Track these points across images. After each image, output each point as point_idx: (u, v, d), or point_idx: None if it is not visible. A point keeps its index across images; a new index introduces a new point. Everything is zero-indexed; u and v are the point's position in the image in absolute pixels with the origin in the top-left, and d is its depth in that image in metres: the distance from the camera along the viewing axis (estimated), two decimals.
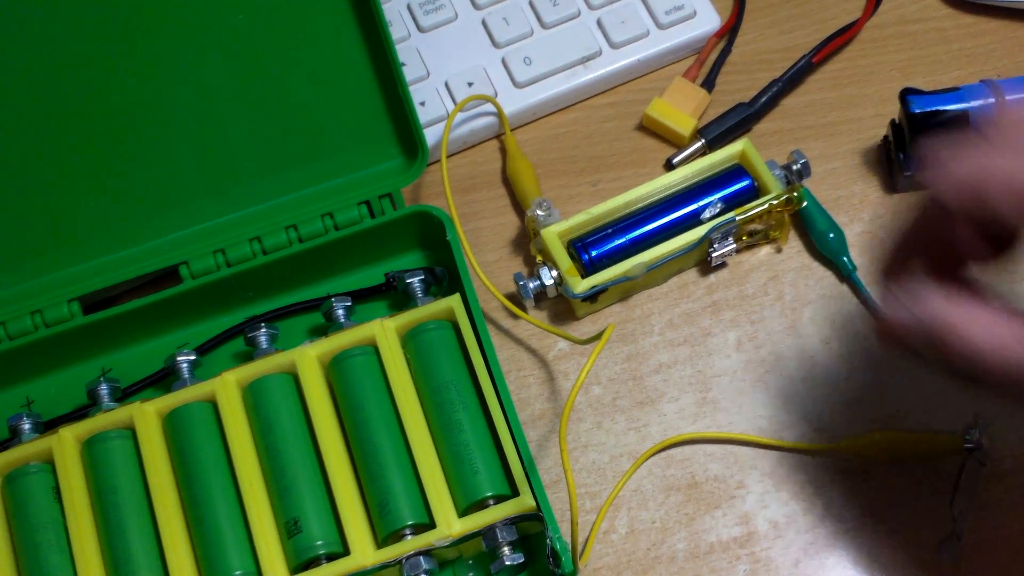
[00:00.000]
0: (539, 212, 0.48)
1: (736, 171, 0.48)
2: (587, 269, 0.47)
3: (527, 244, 0.51)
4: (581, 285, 0.46)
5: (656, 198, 0.48)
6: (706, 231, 0.47)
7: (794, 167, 0.48)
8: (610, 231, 0.47)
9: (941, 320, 0.33)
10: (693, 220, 0.47)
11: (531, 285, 0.47)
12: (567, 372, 0.48)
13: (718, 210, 0.47)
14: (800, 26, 0.55)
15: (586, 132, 0.54)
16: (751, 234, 0.49)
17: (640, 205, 0.48)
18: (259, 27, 0.46)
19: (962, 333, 0.33)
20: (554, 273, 0.47)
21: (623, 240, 0.47)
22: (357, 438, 0.44)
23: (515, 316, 0.49)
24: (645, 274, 0.47)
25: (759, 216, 0.47)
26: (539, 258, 0.48)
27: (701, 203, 0.48)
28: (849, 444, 0.44)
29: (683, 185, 0.49)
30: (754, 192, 0.48)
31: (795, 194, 0.47)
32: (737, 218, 0.47)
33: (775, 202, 0.47)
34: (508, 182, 0.52)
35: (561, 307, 0.49)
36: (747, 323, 0.48)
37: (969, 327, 0.33)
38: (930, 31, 0.55)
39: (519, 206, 0.52)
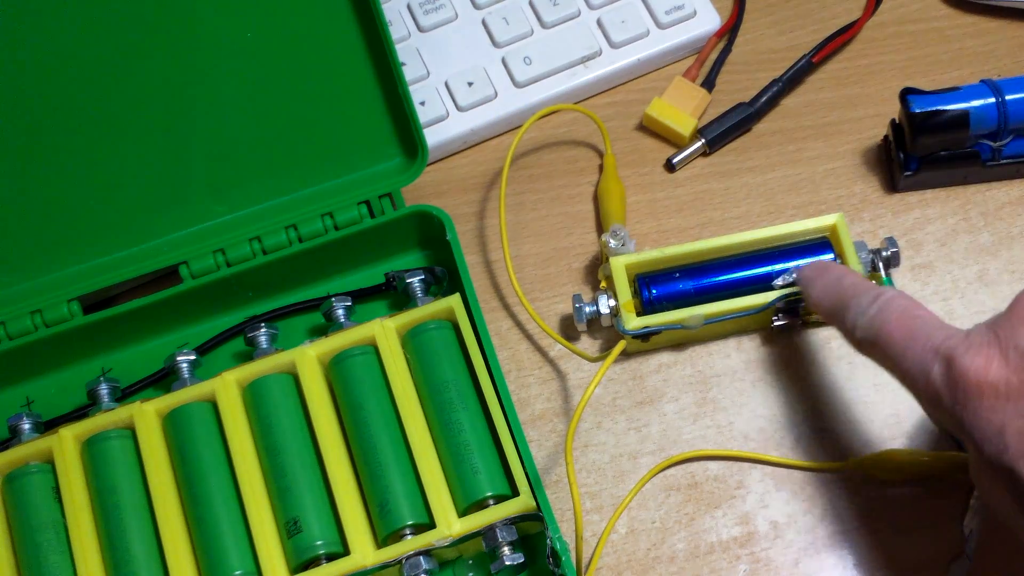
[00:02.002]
0: (611, 240, 0.46)
1: (822, 244, 0.46)
2: (646, 307, 0.45)
3: (528, 244, 0.51)
4: (634, 322, 0.45)
5: (734, 252, 0.46)
6: (773, 299, 0.45)
7: (884, 253, 0.46)
8: (678, 275, 0.46)
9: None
10: (765, 284, 0.45)
11: (587, 309, 0.46)
12: (568, 372, 0.48)
13: (792, 280, 0.45)
14: (800, 26, 0.55)
15: (586, 132, 0.54)
16: None
17: (716, 255, 0.46)
18: (259, 27, 0.46)
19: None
20: (612, 303, 0.46)
21: (688, 286, 0.45)
22: (357, 438, 0.44)
23: (515, 316, 0.49)
24: (702, 327, 0.45)
25: None
26: (603, 284, 0.47)
27: (776, 268, 0.46)
28: (857, 463, 0.44)
29: (764, 245, 0.46)
30: None
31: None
32: None
33: None
34: (508, 181, 0.52)
35: (612, 336, 0.48)
36: None
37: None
38: (930, 31, 0.55)
39: (520, 206, 0.52)
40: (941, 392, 0.35)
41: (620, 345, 0.44)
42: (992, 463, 0.34)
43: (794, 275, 0.44)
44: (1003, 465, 0.33)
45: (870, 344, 0.38)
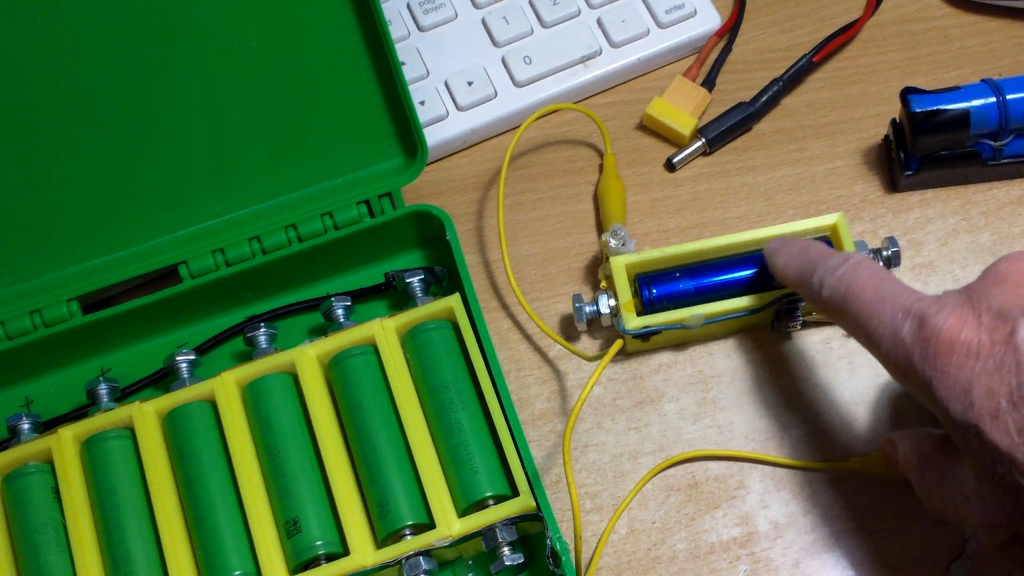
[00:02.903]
0: (612, 240, 0.46)
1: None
2: (646, 307, 0.45)
3: (528, 243, 0.51)
4: (634, 322, 0.45)
5: (734, 252, 0.46)
6: (773, 299, 0.45)
7: (884, 253, 0.46)
8: (678, 274, 0.46)
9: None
10: (766, 283, 0.45)
11: (587, 309, 0.46)
12: (568, 372, 0.48)
13: None
14: (800, 25, 0.55)
15: (586, 131, 0.54)
16: None
17: (716, 255, 0.46)
18: (259, 27, 0.46)
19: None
20: (612, 303, 0.45)
21: (689, 286, 0.45)
22: (357, 438, 0.44)
23: (515, 316, 0.49)
24: (702, 326, 0.45)
25: None
26: (603, 284, 0.47)
27: None
28: (858, 463, 0.44)
29: (764, 245, 0.45)
30: None
31: None
32: None
33: None
34: (508, 181, 0.52)
35: (613, 336, 0.48)
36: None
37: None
38: (931, 30, 0.55)
39: (520, 205, 0.52)
40: (911, 350, 0.34)
41: (616, 344, 0.43)
42: (957, 422, 0.33)
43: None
44: (968, 422, 0.33)
45: (838, 303, 0.38)
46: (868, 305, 0.37)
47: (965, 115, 0.46)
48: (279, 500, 0.43)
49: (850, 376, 0.47)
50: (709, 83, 0.53)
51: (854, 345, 0.47)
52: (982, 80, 0.47)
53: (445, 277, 0.48)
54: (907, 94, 0.47)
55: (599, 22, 0.54)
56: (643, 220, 0.51)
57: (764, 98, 0.52)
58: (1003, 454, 0.32)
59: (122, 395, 0.47)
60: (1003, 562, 0.36)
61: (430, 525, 0.42)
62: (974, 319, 0.34)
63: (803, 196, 0.51)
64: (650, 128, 0.53)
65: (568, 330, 0.49)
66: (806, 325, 0.47)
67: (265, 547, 0.42)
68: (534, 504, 0.41)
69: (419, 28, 0.54)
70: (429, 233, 0.49)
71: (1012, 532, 0.34)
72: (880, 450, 0.42)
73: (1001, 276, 0.34)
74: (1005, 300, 0.34)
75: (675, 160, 0.52)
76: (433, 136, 0.52)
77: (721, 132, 0.52)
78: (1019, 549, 0.35)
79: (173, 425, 0.44)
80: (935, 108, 0.47)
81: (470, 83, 0.53)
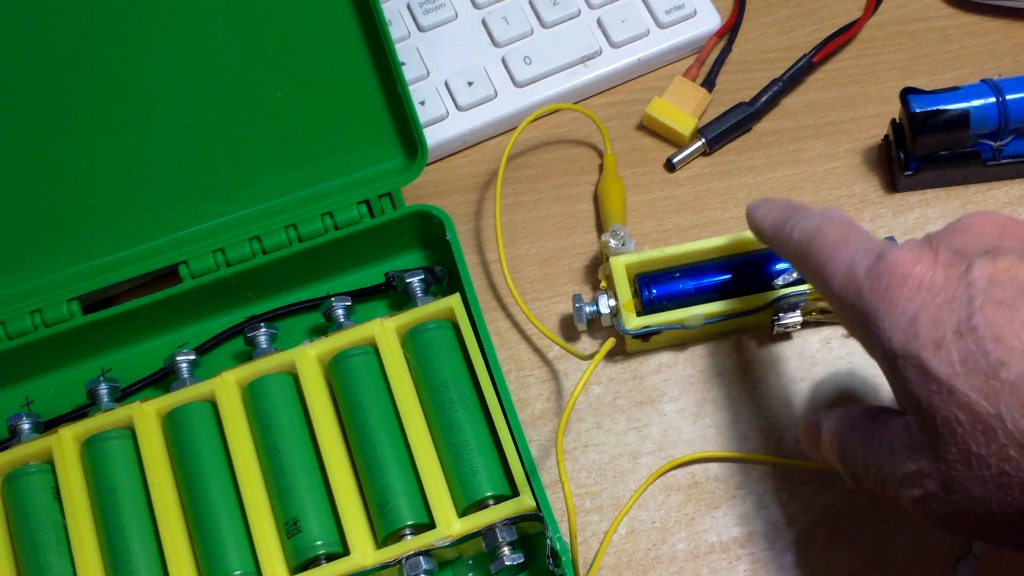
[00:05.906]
0: (612, 240, 0.46)
1: None
2: (646, 307, 0.45)
3: (528, 244, 0.51)
4: (634, 322, 0.45)
5: (734, 252, 0.46)
6: (773, 299, 0.45)
7: None
8: (678, 274, 0.46)
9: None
10: (765, 284, 0.45)
11: (587, 309, 0.46)
12: (567, 372, 0.48)
13: (793, 279, 0.45)
14: (800, 25, 0.55)
15: (586, 131, 0.54)
16: (823, 311, 0.46)
17: (716, 255, 0.46)
18: (259, 27, 0.46)
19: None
20: (612, 303, 0.46)
21: (688, 286, 0.45)
22: (357, 438, 0.44)
23: (514, 316, 0.49)
24: (702, 326, 0.45)
25: None
26: (603, 284, 0.47)
27: (776, 268, 0.45)
28: None
29: (766, 245, 0.46)
30: None
31: None
32: (808, 292, 0.45)
33: None
34: (508, 181, 0.52)
35: (612, 336, 0.47)
36: None
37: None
38: (930, 30, 0.55)
39: (519, 205, 0.52)
40: (862, 284, 0.35)
41: (609, 343, 0.43)
42: (899, 353, 0.33)
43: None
44: (911, 352, 0.33)
45: (804, 246, 0.38)
46: (832, 246, 0.37)
47: (965, 115, 0.46)
48: (279, 500, 0.43)
49: (850, 376, 0.47)
50: (709, 83, 0.53)
51: (854, 345, 0.47)
52: (982, 80, 0.47)
53: (445, 277, 0.48)
54: (907, 94, 0.47)
55: (599, 22, 0.54)
56: (643, 220, 0.51)
57: (764, 98, 0.52)
58: (943, 383, 0.32)
59: (122, 395, 0.47)
60: (1013, 557, 0.35)
61: (430, 525, 0.42)
62: (931, 256, 0.34)
63: (803, 196, 0.51)
64: (650, 128, 0.53)
65: (568, 330, 0.49)
66: (806, 325, 0.47)
67: (265, 547, 0.42)
68: (533, 504, 0.41)
69: (419, 28, 0.54)
70: (429, 233, 0.49)
71: (938, 483, 0.33)
72: (800, 433, 0.41)
73: (964, 226, 0.35)
74: (965, 243, 0.34)
75: (675, 160, 0.52)
76: (433, 136, 0.52)
77: (721, 132, 0.52)
78: (938, 504, 0.33)
79: (173, 425, 0.45)
80: (935, 108, 0.47)
81: (470, 83, 0.53)
